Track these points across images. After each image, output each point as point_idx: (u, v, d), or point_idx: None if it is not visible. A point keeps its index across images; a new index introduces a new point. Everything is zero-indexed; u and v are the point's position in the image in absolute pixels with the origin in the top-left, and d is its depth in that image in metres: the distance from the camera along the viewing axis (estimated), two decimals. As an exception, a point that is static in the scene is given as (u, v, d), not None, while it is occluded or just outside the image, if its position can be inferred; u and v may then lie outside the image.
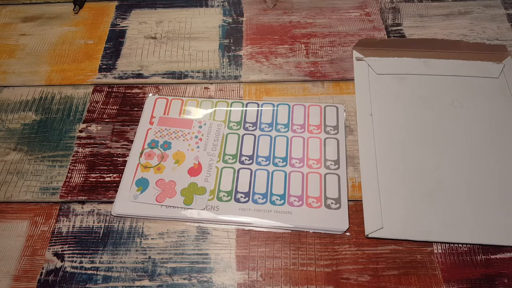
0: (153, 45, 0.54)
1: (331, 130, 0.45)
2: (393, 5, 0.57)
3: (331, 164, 0.42)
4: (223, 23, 0.56)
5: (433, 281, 0.36)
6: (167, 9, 0.59)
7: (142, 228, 0.40)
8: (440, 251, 0.38)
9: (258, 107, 0.47)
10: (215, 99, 0.48)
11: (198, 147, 0.44)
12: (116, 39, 0.55)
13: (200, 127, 0.46)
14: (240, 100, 0.48)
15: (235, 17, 0.57)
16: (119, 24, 0.57)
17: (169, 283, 0.37)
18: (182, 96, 0.48)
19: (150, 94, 0.49)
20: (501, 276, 0.36)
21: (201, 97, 0.48)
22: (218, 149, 0.44)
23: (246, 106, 0.47)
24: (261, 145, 0.44)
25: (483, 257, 0.37)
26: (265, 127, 0.45)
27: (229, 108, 0.47)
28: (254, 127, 0.45)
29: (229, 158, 0.43)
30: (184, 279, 0.37)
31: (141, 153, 0.44)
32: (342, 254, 0.38)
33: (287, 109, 0.47)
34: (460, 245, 0.38)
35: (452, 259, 0.37)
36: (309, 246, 0.38)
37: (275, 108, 0.47)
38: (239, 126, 0.46)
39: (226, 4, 0.59)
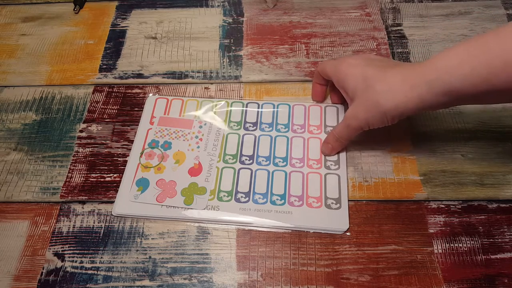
0: (153, 45, 0.54)
1: (331, 130, 0.45)
2: (393, 5, 0.57)
3: (331, 164, 0.42)
4: (223, 23, 0.56)
5: (433, 281, 0.36)
6: (167, 9, 0.59)
7: (143, 228, 0.40)
8: (440, 251, 0.38)
9: (258, 107, 0.47)
10: (215, 99, 0.48)
11: (198, 147, 0.44)
12: (116, 39, 0.55)
13: (201, 127, 0.46)
14: (240, 100, 0.48)
15: (235, 17, 0.57)
16: (120, 24, 0.57)
17: (170, 283, 0.37)
18: (183, 96, 0.49)
19: (151, 94, 0.49)
20: (501, 276, 0.36)
21: (201, 97, 0.48)
22: (218, 149, 0.44)
23: (247, 106, 0.47)
24: (261, 145, 0.44)
25: (483, 257, 0.37)
26: (266, 127, 0.45)
27: (229, 108, 0.47)
28: (255, 127, 0.45)
29: (229, 158, 0.43)
30: (185, 279, 0.37)
31: (141, 153, 0.44)
32: (342, 254, 0.38)
33: (288, 109, 0.47)
34: (460, 245, 0.38)
35: (452, 259, 0.37)
36: (309, 246, 0.38)
37: (275, 108, 0.47)
38: (239, 126, 0.46)
39: (226, 4, 0.59)
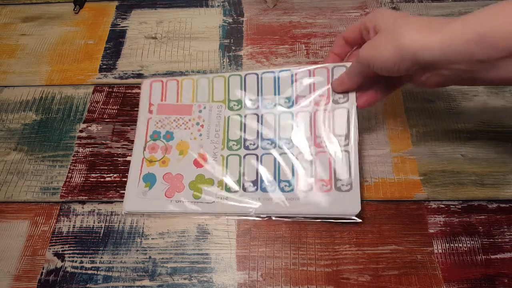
0: (154, 45, 0.54)
1: (340, 98, 0.41)
2: (393, 5, 0.57)
3: (340, 140, 0.40)
4: (223, 23, 0.56)
5: (433, 281, 0.36)
6: (167, 9, 0.59)
7: (143, 228, 0.40)
8: (440, 251, 0.38)
9: (257, 78, 0.44)
10: (211, 74, 0.47)
11: (200, 134, 0.43)
12: (116, 39, 0.55)
13: (200, 111, 0.45)
14: (238, 73, 0.45)
15: (235, 17, 0.57)
16: (120, 24, 0.57)
17: (170, 283, 0.37)
18: (178, 76, 0.48)
19: (145, 79, 0.48)
20: (501, 276, 0.36)
21: (196, 74, 0.48)
22: (221, 135, 0.43)
23: (245, 79, 0.45)
24: (265, 126, 0.42)
25: (483, 257, 0.37)
26: (268, 103, 0.43)
27: (226, 85, 0.45)
28: (256, 104, 0.43)
29: (233, 145, 0.42)
30: (185, 279, 0.37)
31: (144, 147, 0.44)
32: (342, 254, 0.38)
33: (290, 78, 0.43)
34: (460, 245, 0.38)
35: (452, 259, 0.37)
36: (309, 246, 0.38)
37: (276, 75, 0.43)
38: (240, 106, 0.44)
39: (226, 4, 0.59)
